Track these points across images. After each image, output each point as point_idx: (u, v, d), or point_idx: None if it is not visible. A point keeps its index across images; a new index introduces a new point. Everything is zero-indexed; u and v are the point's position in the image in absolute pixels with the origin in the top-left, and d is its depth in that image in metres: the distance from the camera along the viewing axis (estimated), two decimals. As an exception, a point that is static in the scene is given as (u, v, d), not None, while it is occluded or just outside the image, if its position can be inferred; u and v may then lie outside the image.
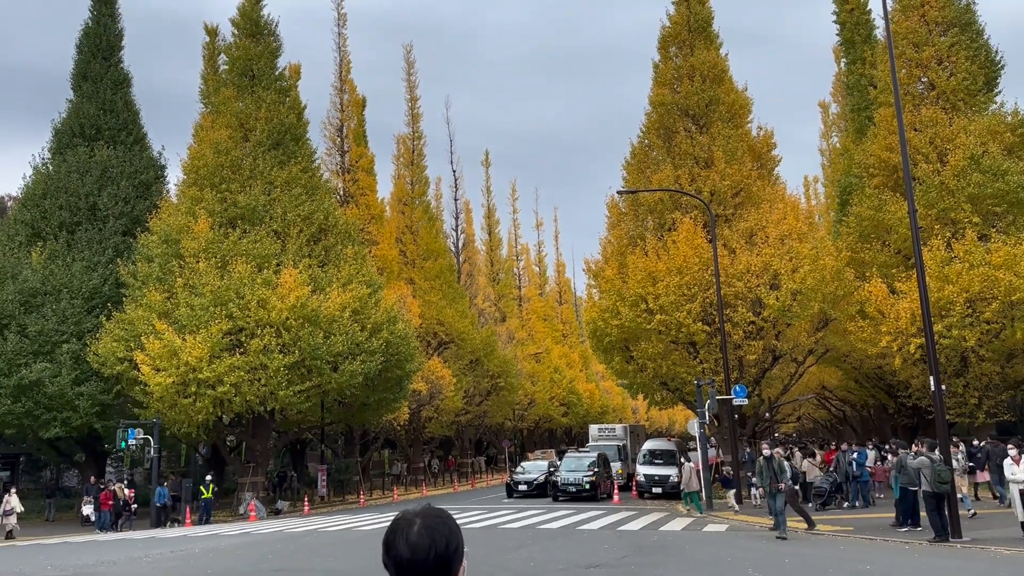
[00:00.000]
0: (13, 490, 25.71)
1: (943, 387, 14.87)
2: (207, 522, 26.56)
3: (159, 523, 26.42)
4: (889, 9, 28.89)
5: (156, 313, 27.23)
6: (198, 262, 27.92)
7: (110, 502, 25.96)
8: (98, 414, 29.22)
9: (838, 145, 50.04)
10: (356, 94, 42.94)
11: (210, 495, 27.51)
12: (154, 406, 27.06)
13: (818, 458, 24.55)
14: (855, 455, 21.58)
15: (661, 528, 18.10)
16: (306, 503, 30.09)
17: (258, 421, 30.06)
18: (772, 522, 18.16)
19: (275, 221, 29.91)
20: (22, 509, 25.34)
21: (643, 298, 25.63)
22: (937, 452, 15.29)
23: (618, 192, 26.59)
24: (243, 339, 26.78)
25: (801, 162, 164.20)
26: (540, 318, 73.63)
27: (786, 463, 17.10)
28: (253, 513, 26.68)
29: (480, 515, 22.95)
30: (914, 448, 15.77)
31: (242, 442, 32.37)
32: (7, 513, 24.36)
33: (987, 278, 22.29)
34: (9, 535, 23.98)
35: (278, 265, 28.42)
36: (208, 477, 28.43)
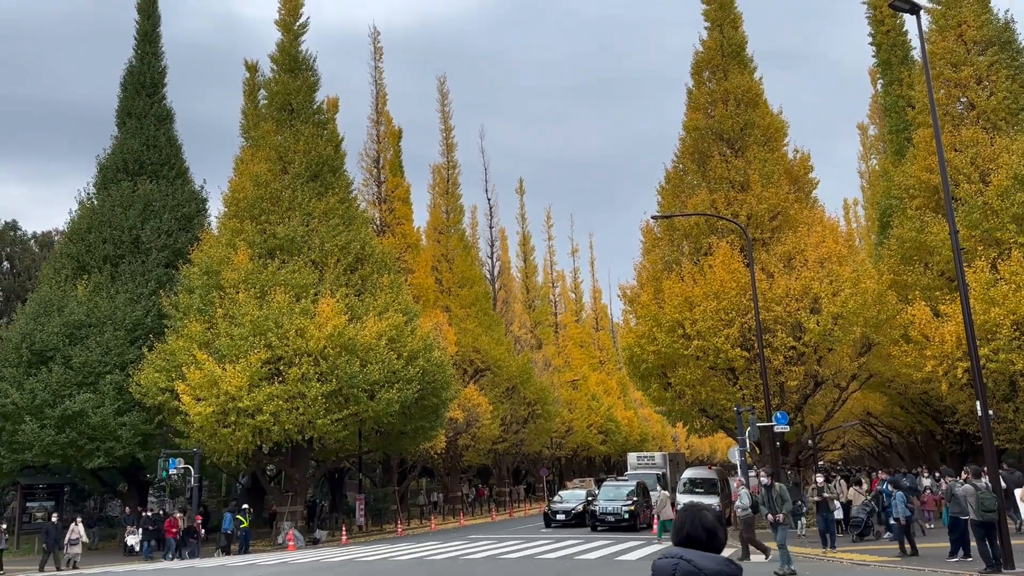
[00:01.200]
0: (79, 519, 25.99)
1: (991, 412, 14.42)
2: (246, 551, 26.69)
3: (227, 550, 26.69)
4: (925, 30, 28.67)
5: (197, 343, 27.65)
6: (238, 292, 28.36)
7: (174, 529, 26.23)
8: (140, 444, 29.66)
9: (877, 167, 49.40)
10: (392, 125, 43.58)
11: (247, 524, 27.67)
12: (194, 436, 27.38)
13: (864, 486, 23.91)
14: (886, 485, 21.02)
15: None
16: (344, 532, 30.08)
17: (296, 450, 30.23)
18: (816, 551, 17.73)
19: (313, 251, 30.31)
20: (87, 540, 25.60)
21: (680, 323, 25.39)
22: (984, 479, 14.80)
23: (652, 217, 26.54)
24: (282, 368, 27.04)
25: (840, 182, 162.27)
26: (577, 345, 73.29)
27: (787, 492, 16.64)
28: (291, 543, 26.74)
29: (517, 545, 22.72)
30: (963, 475, 15.28)
31: (281, 471, 32.58)
32: (72, 543, 24.59)
33: (1036, 299, 21.67)
34: (72, 564, 24.22)
35: (316, 295, 28.73)
36: (245, 506, 28.61)
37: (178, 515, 27.43)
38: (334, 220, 31.26)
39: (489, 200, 57.95)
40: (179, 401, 26.88)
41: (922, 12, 21.32)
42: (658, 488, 25.69)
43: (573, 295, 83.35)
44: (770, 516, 15.79)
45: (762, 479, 16.35)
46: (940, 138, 15.42)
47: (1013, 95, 25.31)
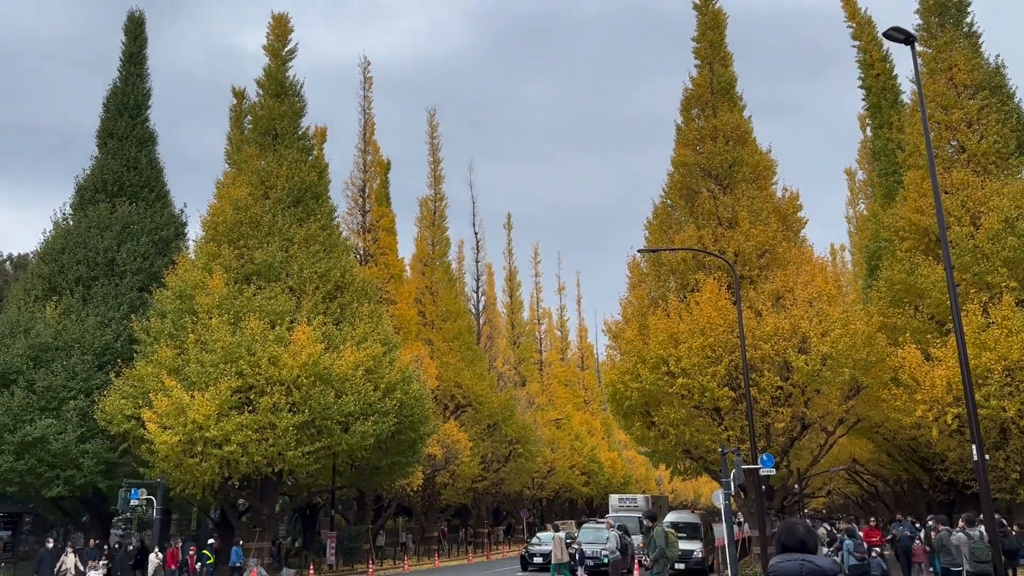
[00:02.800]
0: (70, 548, 24.67)
1: (987, 456, 13.75)
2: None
3: None
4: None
5: (166, 369, 26.71)
6: (211, 318, 27.51)
7: (174, 564, 25.01)
8: (103, 473, 28.52)
9: (865, 212, 49.35)
10: (379, 155, 43.21)
11: (213, 560, 26.48)
12: (159, 466, 26.33)
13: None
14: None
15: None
16: (311, 571, 28.84)
17: (266, 483, 29.14)
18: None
19: (291, 278, 29.57)
20: (82, 569, 24.15)
21: (664, 360, 24.70)
22: (978, 528, 14.10)
23: (639, 251, 25.97)
24: (252, 397, 26.10)
25: (828, 233, 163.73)
26: (561, 383, 72.38)
27: (661, 537, 15.84)
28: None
29: None
30: (960, 524, 14.58)
31: (251, 506, 31.41)
32: (61, 575, 23.14)
33: (1028, 345, 21.16)
34: None
35: (292, 322, 27.92)
36: (211, 541, 27.44)
37: (178, 545, 26.05)
38: (314, 247, 30.58)
39: (476, 234, 57.53)
40: (145, 429, 25.85)
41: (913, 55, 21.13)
42: (555, 531, 24.82)
43: (559, 333, 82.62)
44: (646, 560, 15.34)
45: (646, 523, 15.85)
46: (935, 173, 15.01)
47: (1003, 139, 25.12)
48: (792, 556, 4.19)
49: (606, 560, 26.30)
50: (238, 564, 26.39)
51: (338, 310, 30.05)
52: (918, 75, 16.74)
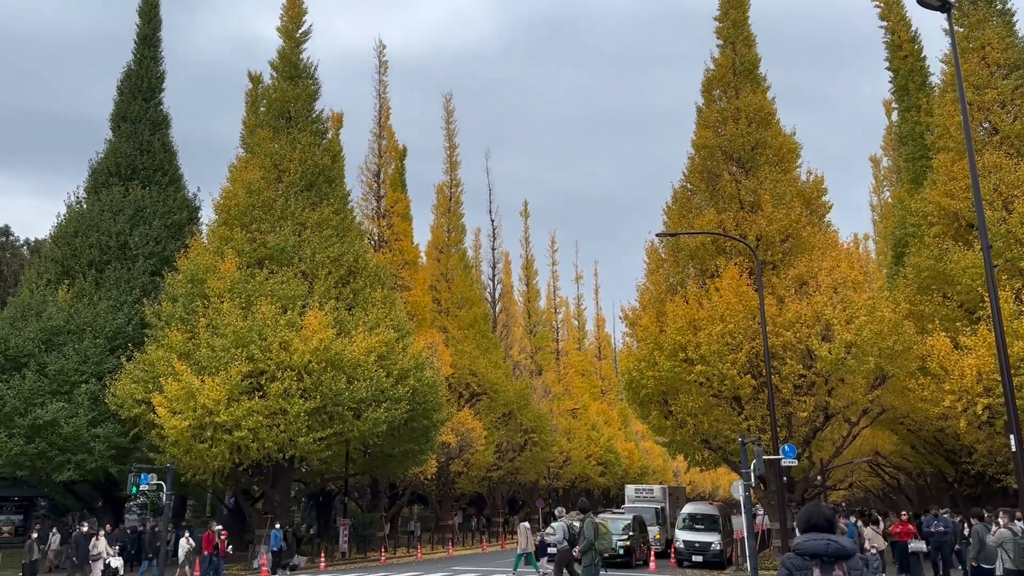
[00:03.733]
0: (102, 532, 24.45)
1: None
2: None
3: (275, 568, 25.55)
4: (947, 52, 27.63)
5: (177, 354, 26.40)
6: (222, 302, 27.15)
7: (211, 547, 24.70)
8: (113, 458, 28.33)
9: (890, 200, 48.23)
10: (394, 140, 42.68)
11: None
12: (169, 451, 26.06)
13: (882, 526, 22.36)
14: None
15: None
16: (322, 559, 28.50)
17: (278, 470, 28.84)
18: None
19: (304, 262, 29.16)
20: (112, 554, 23.84)
21: (683, 347, 24.03)
22: (1020, 523, 13.38)
23: (657, 235, 25.25)
24: (263, 382, 25.73)
25: (852, 223, 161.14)
26: (578, 373, 71.77)
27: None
28: (265, 568, 25.24)
29: None
30: (1002, 519, 13.88)
31: (264, 492, 31.14)
32: (94, 558, 22.56)
33: (1064, 333, 20.30)
34: None
35: (304, 307, 27.51)
36: (219, 527, 27.15)
37: (217, 528, 25.82)
38: (327, 231, 30.14)
39: (492, 221, 57.12)
40: (155, 414, 25.57)
41: (943, 34, 20.19)
42: (522, 523, 24.47)
43: (576, 322, 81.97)
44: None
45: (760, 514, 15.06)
46: (972, 151, 14.17)
47: (1039, 120, 24.15)
48: (817, 535, 4.50)
49: (621, 551, 25.77)
50: (275, 549, 26.02)
51: (351, 295, 29.60)
52: (955, 44, 15.91)
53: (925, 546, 14.65)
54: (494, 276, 57.19)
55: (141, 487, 25.50)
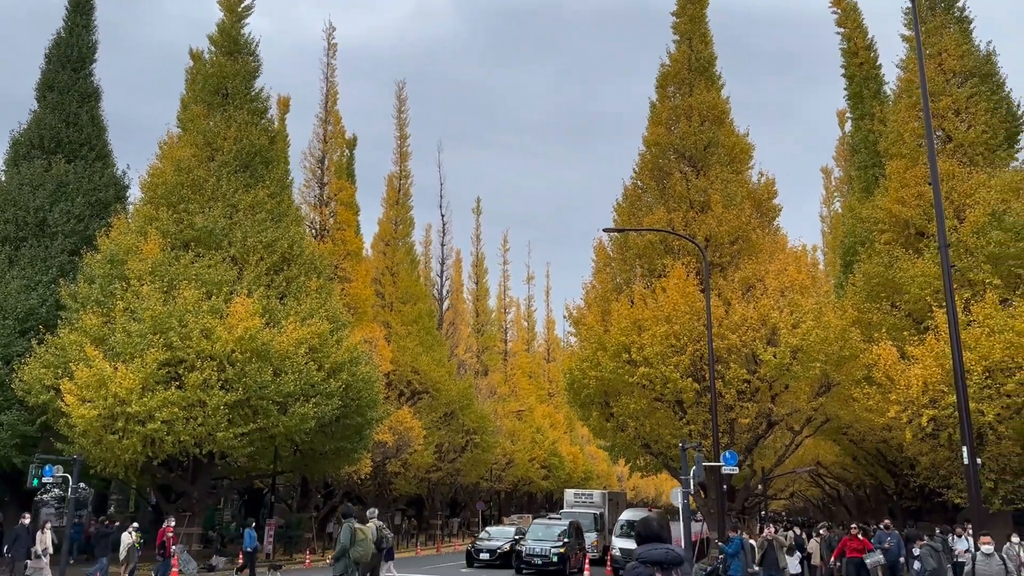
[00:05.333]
0: (48, 525, 22.56)
1: (977, 461, 12.30)
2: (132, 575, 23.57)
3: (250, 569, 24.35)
4: (903, 58, 27.30)
5: (90, 338, 24.63)
6: (142, 285, 25.46)
7: (166, 538, 23.01)
8: (19, 447, 26.38)
9: (840, 210, 48.26)
10: (341, 126, 41.14)
11: (137, 545, 24.46)
12: (78, 441, 24.29)
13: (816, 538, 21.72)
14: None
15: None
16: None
17: (197, 465, 27.22)
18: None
19: (234, 247, 27.58)
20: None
21: (626, 348, 23.14)
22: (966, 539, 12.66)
23: (604, 230, 24.42)
24: (181, 372, 24.12)
25: (803, 235, 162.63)
26: (525, 374, 70.89)
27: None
28: (175, 568, 23.62)
29: None
30: (958, 532, 13.18)
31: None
32: (37, 556, 20.89)
33: (1010, 345, 19.87)
34: None
35: (231, 294, 25.95)
36: (135, 524, 25.44)
37: (172, 523, 24.12)
38: (261, 215, 28.60)
39: (443, 216, 55.74)
40: (63, 401, 23.79)
41: (899, 40, 19.63)
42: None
43: (526, 323, 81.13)
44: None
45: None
46: (933, 150, 13.43)
47: (992, 129, 23.88)
48: (657, 545, 5.08)
49: (555, 559, 24.79)
50: (248, 550, 24.68)
51: (283, 283, 28.11)
52: (919, 37, 15.21)
53: (883, 558, 13.89)
54: (442, 273, 56.01)
55: (44, 479, 23.68)
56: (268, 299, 26.73)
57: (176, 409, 23.33)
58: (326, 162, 39.82)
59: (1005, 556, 10.61)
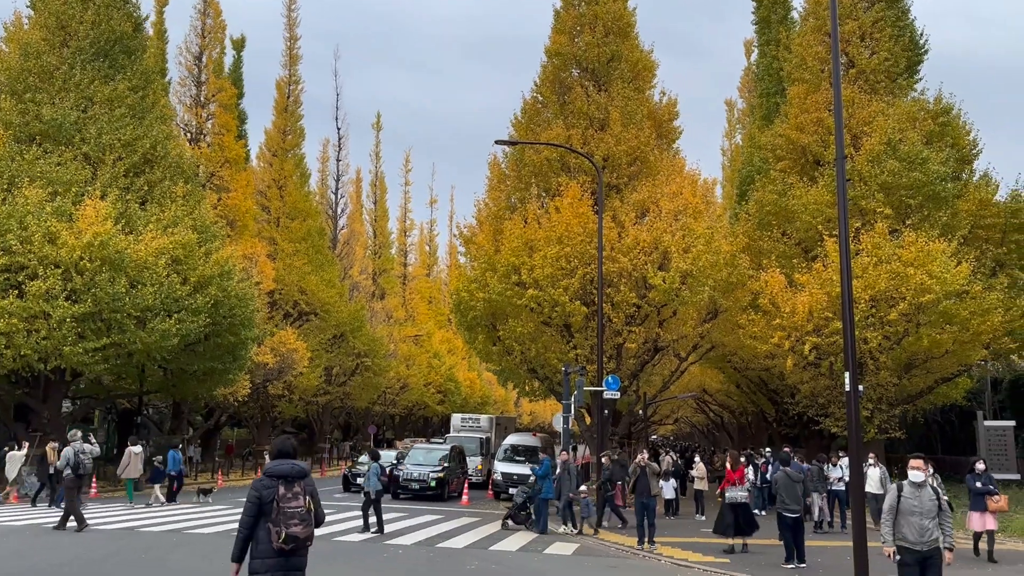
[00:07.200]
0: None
1: (860, 389, 11.78)
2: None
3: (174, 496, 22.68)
4: (811, -22, 26.39)
5: (-86, 240, 21.72)
6: (-22, 182, 22.55)
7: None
8: None
9: (741, 143, 48.18)
10: (221, 19, 37.54)
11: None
12: (-99, 354, 21.61)
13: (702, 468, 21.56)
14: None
15: (493, 547, 14.49)
16: (93, 486, 24.95)
17: (48, 383, 24.90)
18: (632, 542, 14.93)
19: (87, 143, 24.77)
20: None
21: (516, 269, 22.04)
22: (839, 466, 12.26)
23: (497, 142, 22.85)
24: (21, 279, 21.63)
25: (704, 171, 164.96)
26: (425, 299, 69.68)
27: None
28: (15, 493, 21.62)
29: None
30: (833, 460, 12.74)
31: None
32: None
33: (896, 275, 19.77)
34: None
35: (81, 195, 23.33)
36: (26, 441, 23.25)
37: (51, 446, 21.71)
38: (120, 110, 25.71)
39: (339, 129, 52.86)
40: None
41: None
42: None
43: (428, 248, 79.44)
44: None
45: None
46: (839, 73, 12.31)
47: (895, 57, 23.43)
48: (284, 461, 5.84)
49: (433, 483, 24.02)
50: (172, 473, 22.91)
51: (145, 187, 25.58)
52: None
53: (741, 496, 13.39)
54: (337, 190, 53.41)
55: None
56: (126, 204, 24.27)
57: (15, 320, 20.95)
58: (204, 59, 36.46)
59: (938, 487, 8.93)
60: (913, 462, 8.03)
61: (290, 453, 5.88)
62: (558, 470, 17.20)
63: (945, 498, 8.07)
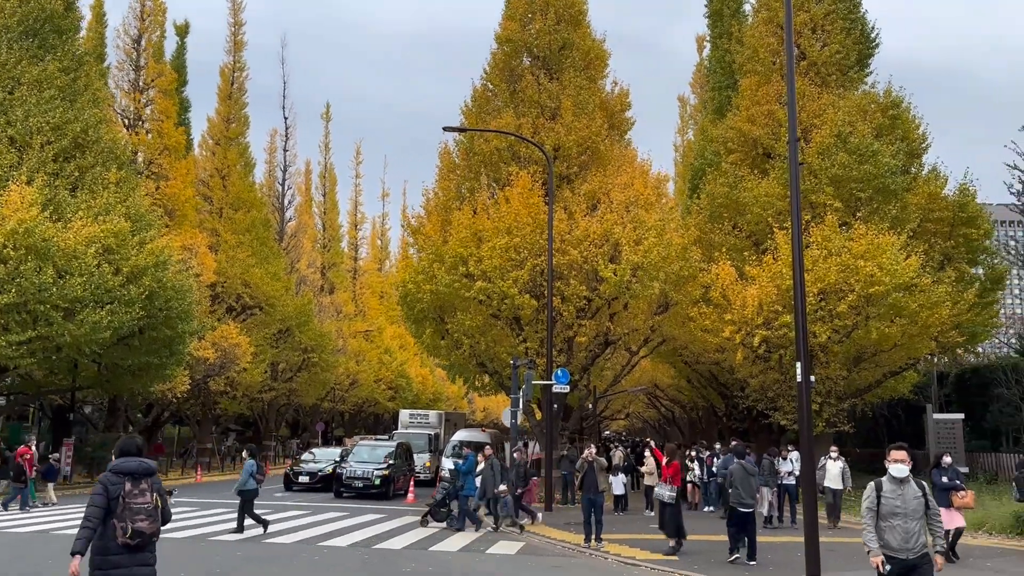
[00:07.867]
0: None
1: (811, 380, 11.49)
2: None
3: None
4: (763, -29, 26.29)
5: None
6: None
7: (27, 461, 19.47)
8: None
9: (693, 138, 48.22)
10: (160, 1, 36.14)
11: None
12: None
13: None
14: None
15: (433, 547, 13.88)
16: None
17: (-30, 379, 23.58)
18: (579, 539, 14.47)
19: (13, 126, 23.46)
20: None
21: (464, 260, 21.43)
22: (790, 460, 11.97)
23: (445, 128, 22.16)
24: (-61, 269, 20.34)
25: (657, 167, 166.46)
26: (376, 294, 68.45)
27: None
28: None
29: (206, 516, 18.16)
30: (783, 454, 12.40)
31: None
32: None
33: (845, 268, 19.68)
34: None
35: (6, 180, 22.07)
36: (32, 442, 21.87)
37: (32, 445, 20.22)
38: (50, 92, 24.42)
39: (286, 119, 51.51)
40: None
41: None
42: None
43: (380, 242, 78.20)
44: None
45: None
46: (793, 63, 12.03)
47: (846, 50, 23.42)
48: (131, 459, 5.86)
49: (377, 482, 23.32)
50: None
51: (75, 173, 24.31)
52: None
53: (669, 493, 12.89)
54: (284, 180, 52.06)
55: None
56: (55, 190, 23.03)
57: (-70, 312, 19.69)
58: (143, 43, 35.00)
59: (924, 483, 6.66)
60: (895, 454, 6.71)
61: (134, 452, 5.91)
62: (480, 466, 16.61)
63: (930, 495, 6.83)
